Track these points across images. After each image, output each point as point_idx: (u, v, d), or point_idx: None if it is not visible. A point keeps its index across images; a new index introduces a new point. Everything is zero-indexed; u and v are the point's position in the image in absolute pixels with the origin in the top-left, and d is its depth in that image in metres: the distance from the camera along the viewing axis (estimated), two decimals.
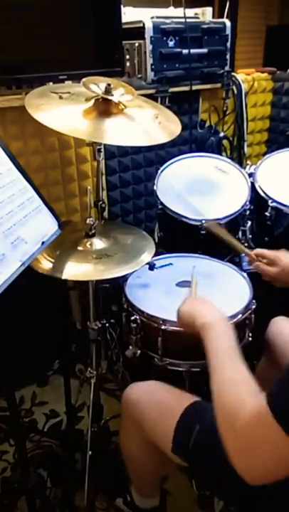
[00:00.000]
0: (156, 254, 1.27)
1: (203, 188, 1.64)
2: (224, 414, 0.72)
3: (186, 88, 1.94)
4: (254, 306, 1.23)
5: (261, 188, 1.61)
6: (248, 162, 2.03)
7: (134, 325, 1.21)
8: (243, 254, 1.37)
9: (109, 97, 1.24)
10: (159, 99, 1.83)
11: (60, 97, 1.27)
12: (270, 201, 1.56)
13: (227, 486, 0.91)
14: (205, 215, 1.50)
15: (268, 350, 1.23)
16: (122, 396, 1.12)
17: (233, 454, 0.69)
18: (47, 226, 1.02)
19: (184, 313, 0.98)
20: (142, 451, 1.10)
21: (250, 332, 1.24)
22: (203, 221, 1.47)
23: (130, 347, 1.25)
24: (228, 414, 0.71)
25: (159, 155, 2.03)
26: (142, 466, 1.16)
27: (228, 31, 2.02)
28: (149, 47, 1.78)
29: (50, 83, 1.46)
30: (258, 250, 1.25)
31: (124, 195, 2.00)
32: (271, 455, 0.65)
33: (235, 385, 0.74)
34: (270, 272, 1.17)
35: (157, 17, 1.80)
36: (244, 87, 2.19)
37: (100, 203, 1.56)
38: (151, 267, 1.34)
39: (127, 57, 1.84)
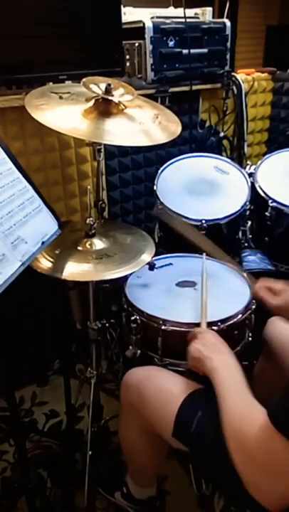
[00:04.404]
0: (156, 254, 1.27)
1: (203, 188, 1.64)
2: (233, 435, 0.74)
3: (186, 88, 1.94)
4: (254, 306, 1.23)
5: (261, 188, 1.61)
6: (248, 162, 2.03)
7: (134, 325, 1.21)
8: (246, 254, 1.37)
9: (110, 97, 1.24)
10: (159, 99, 1.83)
11: (60, 97, 1.27)
12: (270, 201, 1.56)
13: (226, 473, 0.91)
14: (205, 215, 1.50)
15: (266, 350, 1.23)
16: (121, 381, 1.11)
17: (247, 478, 0.71)
18: (47, 226, 1.02)
19: (193, 358, 0.99)
20: (141, 438, 1.10)
21: (250, 332, 1.24)
22: (204, 221, 1.47)
23: (130, 347, 1.25)
24: (236, 434, 0.73)
25: (159, 155, 2.03)
26: (140, 454, 1.16)
27: (228, 31, 2.02)
28: (149, 47, 1.78)
29: (50, 83, 1.46)
30: (265, 282, 1.18)
31: (124, 195, 2.00)
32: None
33: (241, 409, 0.76)
34: (271, 303, 1.12)
35: (157, 17, 1.80)
36: (244, 87, 2.18)
37: (100, 203, 1.56)
38: (151, 267, 1.34)
39: (127, 57, 1.84)
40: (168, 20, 1.82)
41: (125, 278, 1.32)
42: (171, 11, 1.98)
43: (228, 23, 2.01)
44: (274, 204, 1.55)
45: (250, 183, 1.63)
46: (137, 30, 1.77)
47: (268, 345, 1.21)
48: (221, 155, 2.03)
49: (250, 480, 0.71)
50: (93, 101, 1.26)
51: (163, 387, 1.02)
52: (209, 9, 2.01)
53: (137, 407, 1.05)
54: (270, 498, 0.71)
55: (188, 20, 1.84)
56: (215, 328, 1.12)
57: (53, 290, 1.45)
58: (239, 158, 2.35)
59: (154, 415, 1.01)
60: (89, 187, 1.25)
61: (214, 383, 0.87)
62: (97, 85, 1.25)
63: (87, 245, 1.23)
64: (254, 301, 1.23)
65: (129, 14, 1.81)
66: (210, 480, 1.09)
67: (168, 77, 1.85)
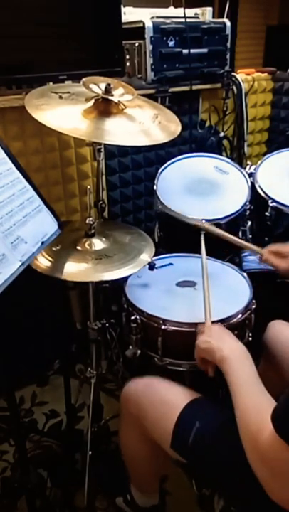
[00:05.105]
0: (156, 254, 1.27)
1: (203, 188, 1.64)
2: (248, 436, 0.74)
3: (186, 88, 1.94)
4: (254, 306, 1.23)
5: (261, 188, 1.61)
6: (248, 162, 2.02)
7: (134, 325, 1.21)
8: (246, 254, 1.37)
9: (109, 97, 1.24)
10: (159, 99, 1.83)
11: (60, 97, 1.27)
12: (270, 201, 1.56)
13: (226, 484, 0.91)
14: (205, 215, 1.50)
15: (266, 353, 1.22)
16: (121, 392, 1.12)
17: (262, 478, 0.71)
18: (47, 226, 1.02)
19: (202, 349, 0.99)
20: (142, 448, 1.10)
21: (250, 332, 1.24)
22: (204, 221, 1.47)
23: (130, 347, 1.25)
24: (251, 435, 0.73)
25: (159, 155, 2.03)
26: (141, 462, 1.16)
27: (228, 31, 2.02)
28: (149, 47, 1.78)
29: (50, 83, 1.46)
30: (273, 246, 1.25)
31: (124, 195, 2.00)
32: None
33: (257, 406, 0.76)
34: (279, 266, 1.17)
35: (157, 17, 1.81)
36: (244, 87, 2.19)
37: (100, 203, 1.56)
38: (152, 266, 1.34)
39: (127, 57, 1.84)
40: (168, 20, 1.82)
41: (125, 278, 1.32)
42: (171, 11, 1.98)
43: (228, 23, 2.01)
44: (274, 204, 1.55)
45: (250, 183, 1.63)
46: (137, 30, 1.77)
47: (268, 349, 1.21)
48: (221, 155, 2.03)
49: (263, 478, 0.72)
50: (93, 101, 1.26)
51: (162, 398, 1.02)
52: (209, 9, 2.01)
53: (137, 417, 1.05)
54: (282, 497, 0.71)
55: (188, 20, 1.84)
56: None
57: (53, 290, 1.45)
58: (239, 158, 2.35)
59: (154, 426, 1.01)
60: (89, 187, 1.25)
61: (226, 374, 0.87)
62: (97, 85, 1.25)
63: (87, 245, 1.23)
64: (254, 300, 1.23)
65: (129, 14, 1.81)
66: (210, 486, 1.09)
67: (168, 77, 1.85)
